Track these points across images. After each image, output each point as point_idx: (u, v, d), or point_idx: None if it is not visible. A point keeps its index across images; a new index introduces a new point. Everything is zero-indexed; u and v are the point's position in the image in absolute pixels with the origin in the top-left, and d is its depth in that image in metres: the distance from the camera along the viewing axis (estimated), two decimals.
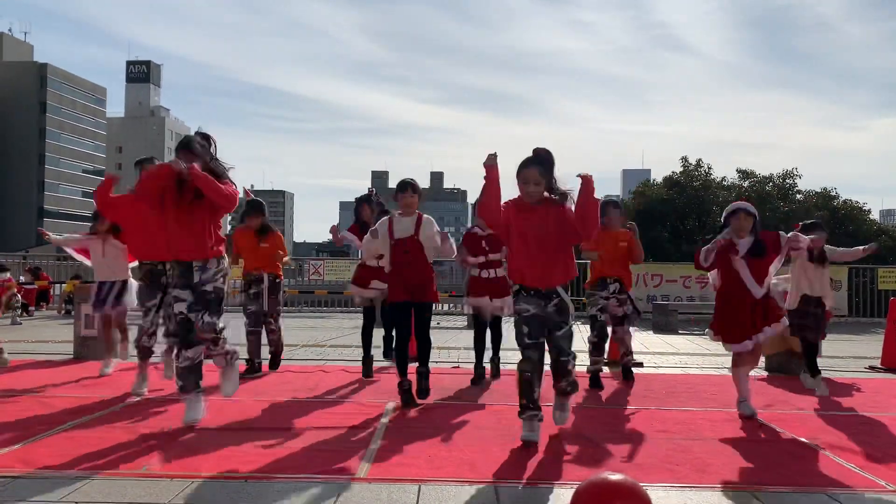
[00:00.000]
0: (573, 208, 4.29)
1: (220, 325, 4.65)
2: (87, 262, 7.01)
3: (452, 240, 5.48)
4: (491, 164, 4.29)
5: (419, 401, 5.37)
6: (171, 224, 4.62)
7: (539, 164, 4.28)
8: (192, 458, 3.84)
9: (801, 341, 6.28)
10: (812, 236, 5.92)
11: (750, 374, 5.36)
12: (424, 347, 5.42)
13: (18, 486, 3.39)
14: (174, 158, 4.54)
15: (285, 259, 7.08)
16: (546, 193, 4.34)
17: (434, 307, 5.65)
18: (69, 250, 7.17)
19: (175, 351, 4.67)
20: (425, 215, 5.41)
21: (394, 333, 5.56)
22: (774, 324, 5.12)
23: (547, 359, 4.40)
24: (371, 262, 6.16)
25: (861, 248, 6.45)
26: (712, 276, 5.51)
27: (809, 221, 6.52)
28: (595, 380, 6.35)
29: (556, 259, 4.31)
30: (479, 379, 6.40)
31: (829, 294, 6.31)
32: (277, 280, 6.87)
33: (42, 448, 4.01)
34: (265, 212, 6.86)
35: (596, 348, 6.41)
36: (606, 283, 6.36)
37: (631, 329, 6.59)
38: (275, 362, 6.94)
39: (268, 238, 6.82)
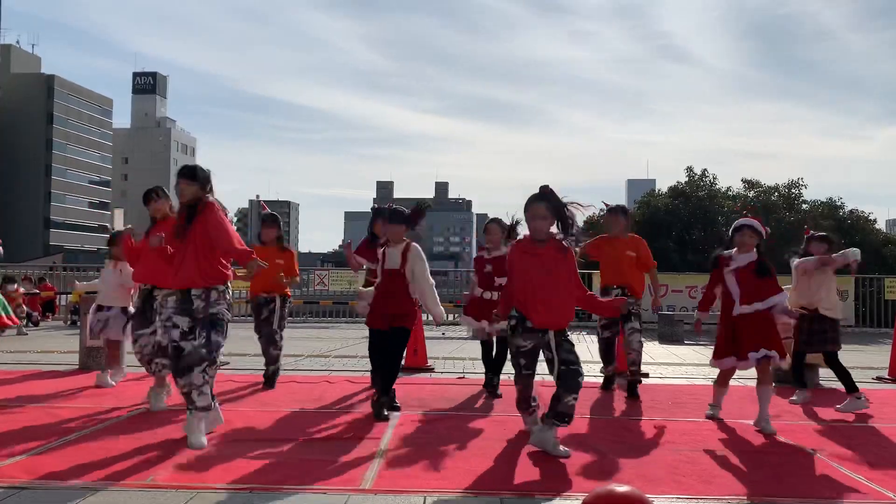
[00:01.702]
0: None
1: (215, 340, 4.56)
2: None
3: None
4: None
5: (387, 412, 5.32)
6: (175, 253, 4.68)
7: (545, 199, 4.31)
8: (198, 469, 3.84)
9: (798, 355, 6.29)
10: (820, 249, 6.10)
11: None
12: (390, 374, 5.35)
13: (24, 497, 3.39)
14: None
15: (295, 279, 7.09)
16: (554, 230, 4.35)
17: (437, 321, 5.67)
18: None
19: (175, 380, 4.62)
20: (413, 245, 5.40)
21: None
22: (767, 350, 5.06)
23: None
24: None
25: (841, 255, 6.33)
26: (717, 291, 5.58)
27: (819, 234, 6.48)
28: (607, 383, 6.54)
29: (559, 303, 4.31)
30: (494, 390, 6.35)
31: (833, 306, 6.18)
32: (286, 299, 6.86)
33: (48, 458, 4.01)
34: (280, 224, 6.87)
35: (606, 358, 6.54)
36: (609, 291, 6.35)
37: (639, 332, 6.42)
38: (271, 382, 6.73)
39: (283, 254, 6.82)
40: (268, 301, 6.73)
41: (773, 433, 5.00)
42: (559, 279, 4.30)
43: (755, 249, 5.26)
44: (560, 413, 4.23)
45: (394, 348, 5.36)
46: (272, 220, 6.86)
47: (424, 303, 5.50)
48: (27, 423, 4.90)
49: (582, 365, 4.34)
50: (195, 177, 4.65)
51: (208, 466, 3.90)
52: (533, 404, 4.49)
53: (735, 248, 5.32)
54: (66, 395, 6.11)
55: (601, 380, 6.80)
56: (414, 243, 5.44)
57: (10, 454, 4.08)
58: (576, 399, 4.25)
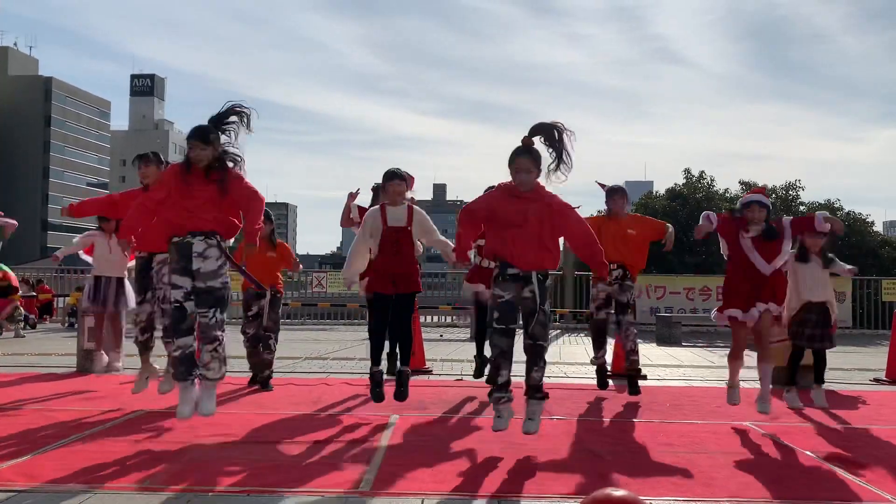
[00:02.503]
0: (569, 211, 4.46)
1: (224, 320, 4.59)
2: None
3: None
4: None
5: (398, 402, 5.24)
6: (178, 199, 4.55)
7: (529, 153, 4.39)
8: (195, 472, 3.83)
9: (795, 348, 6.25)
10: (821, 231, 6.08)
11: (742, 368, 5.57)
12: (405, 342, 5.17)
13: (21, 500, 3.38)
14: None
15: (298, 266, 7.06)
16: (541, 180, 4.42)
17: (436, 319, 5.66)
18: (81, 255, 7.19)
19: (166, 338, 4.61)
20: (416, 207, 5.27)
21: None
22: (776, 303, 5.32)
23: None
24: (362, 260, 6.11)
25: (849, 267, 6.39)
26: (722, 243, 5.62)
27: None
28: (601, 377, 6.40)
29: (537, 245, 4.36)
30: (481, 370, 6.39)
31: (831, 299, 6.25)
32: (278, 295, 6.85)
33: (44, 462, 4.00)
34: (272, 220, 6.85)
35: (597, 343, 6.39)
36: (608, 267, 6.24)
37: (634, 325, 6.36)
38: (265, 385, 6.71)
39: (275, 249, 6.81)
40: (258, 296, 6.71)
41: (767, 413, 5.24)
42: (542, 228, 4.36)
43: (764, 223, 5.41)
44: (531, 387, 4.39)
45: (405, 315, 5.16)
46: (265, 217, 6.83)
47: (444, 250, 5.26)
48: (24, 426, 4.89)
49: (549, 340, 4.43)
50: (208, 140, 4.55)
51: (205, 469, 3.89)
52: (505, 389, 4.36)
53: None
54: (63, 398, 6.10)
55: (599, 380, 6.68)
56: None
57: (7, 457, 4.06)
58: (543, 367, 4.40)
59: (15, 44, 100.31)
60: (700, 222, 5.57)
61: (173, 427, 4.89)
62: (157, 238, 5.39)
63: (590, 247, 4.51)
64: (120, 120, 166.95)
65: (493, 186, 6.10)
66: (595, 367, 6.51)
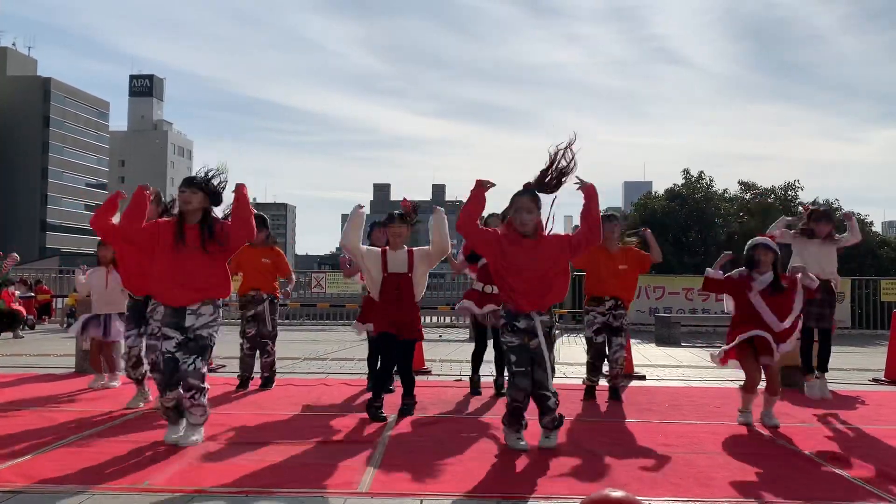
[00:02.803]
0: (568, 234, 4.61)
1: (205, 371, 4.54)
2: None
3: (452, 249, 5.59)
4: (483, 185, 4.58)
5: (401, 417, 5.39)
6: (168, 267, 4.50)
7: (531, 194, 4.48)
8: (193, 473, 3.83)
9: (805, 333, 6.23)
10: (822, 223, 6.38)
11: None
12: (408, 381, 5.57)
13: (19, 500, 3.38)
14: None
15: (290, 284, 7.10)
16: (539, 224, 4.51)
17: (436, 319, 5.73)
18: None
19: (160, 389, 4.58)
20: (415, 248, 5.41)
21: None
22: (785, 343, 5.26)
23: None
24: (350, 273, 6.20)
25: (852, 228, 6.47)
26: (726, 300, 5.59)
27: (820, 210, 6.73)
28: (590, 392, 6.41)
29: (542, 288, 4.48)
30: (476, 387, 6.48)
31: (836, 276, 6.32)
32: (275, 300, 6.86)
33: (43, 462, 4.00)
34: (268, 225, 6.85)
35: (592, 368, 6.40)
36: (602, 300, 6.27)
37: (627, 345, 6.52)
38: (268, 382, 6.78)
39: (269, 253, 6.81)
40: (255, 300, 6.72)
41: (777, 426, 5.19)
42: (545, 266, 4.47)
43: (772, 268, 5.30)
44: (547, 426, 4.53)
45: (406, 358, 5.48)
46: (260, 221, 6.82)
47: (447, 246, 5.41)
48: (23, 427, 4.89)
49: (552, 382, 4.53)
50: (201, 187, 4.55)
51: (204, 470, 3.89)
52: (522, 422, 4.53)
53: (752, 267, 5.37)
54: (61, 399, 6.09)
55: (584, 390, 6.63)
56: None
57: (6, 457, 4.06)
58: (554, 415, 4.51)
59: (14, 44, 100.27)
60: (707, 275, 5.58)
61: None
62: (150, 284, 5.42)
63: (592, 233, 4.55)
64: (119, 120, 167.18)
65: (492, 214, 6.18)
66: (586, 386, 6.46)
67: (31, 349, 10.20)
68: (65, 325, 15.10)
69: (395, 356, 5.42)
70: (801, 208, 8.30)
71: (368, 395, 6.27)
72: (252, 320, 6.76)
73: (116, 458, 4.11)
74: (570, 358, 9.84)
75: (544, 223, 4.54)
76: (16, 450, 4.24)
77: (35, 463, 3.99)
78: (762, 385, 5.38)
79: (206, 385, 4.54)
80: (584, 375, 6.50)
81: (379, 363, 5.70)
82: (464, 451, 4.40)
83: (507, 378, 4.64)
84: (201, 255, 4.49)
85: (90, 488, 3.54)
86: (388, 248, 5.42)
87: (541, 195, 4.51)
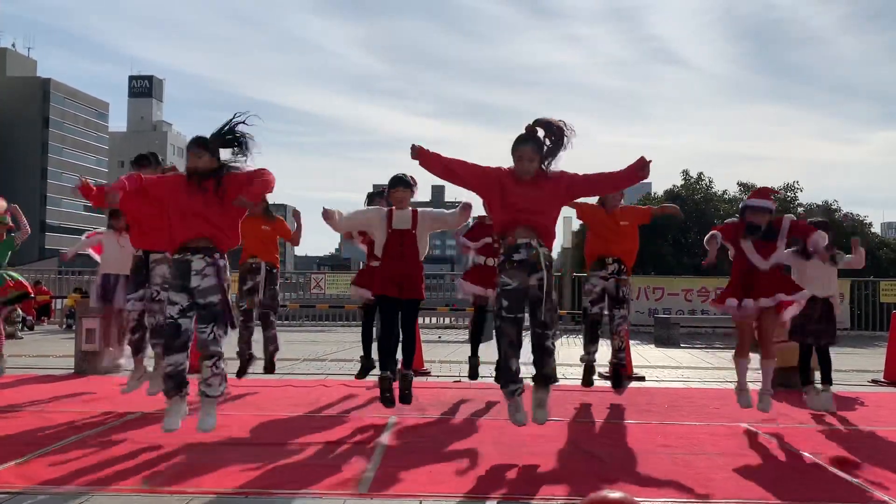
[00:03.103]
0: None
1: (224, 336, 4.49)
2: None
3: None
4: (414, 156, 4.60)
5: (402, 405, 5.27)
6: (177, 207, 4.49)
7: (532, 141, 4.42)
8: (193, 474, 3.83)
9: (803, 347, 6.23)
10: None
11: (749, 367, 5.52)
12: (410, 347, 5.25)
13: (19, 501, 3.38)
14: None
15: (297, 238, 6.98)
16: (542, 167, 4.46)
17: (435, 320, 5.69)
18: (89, 251, 7.18)
19: (159, 354, 4.57)
20: (420, 209, 5.30)
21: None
22: (782, 294, 5.24)
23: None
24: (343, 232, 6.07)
25: (857, 254, 6.38)
26: (730, 250, 5.61)
27: (817, 220, 6.61)
28: (587, 375, 6.33)
29: (544, 221, 4.44)
30: (477, 371, 6.45)
31: (836, 294, 6.28)
32: (274, 270, 6.76)
33: (43, 463, 4.00)
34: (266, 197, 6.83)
35: (589, 338, 6.31)
36: (605, 262, 6.17)
37: (628, 319, 6.33)
38: (271, 364, 6.78)
39: (271, 222, 6.78)
40: (253, 268, 6.64)
41: (767, 411, 5.29)
42: (544, 206, 4.44)
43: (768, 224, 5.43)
44: (544, 376, 4.36)
45: (408, 321, 5.21)
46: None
47: (455, 220, 5.24)
48: (22, 428, 4.89)
49: (555, 330, 4.41)
50: (206, 146, 4.51)
51: (203, 471, 3.88)
52: (517, 380, 4.33)
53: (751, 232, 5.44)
54: (61, 400, 6.09)
55: (599, 384, 6.70)
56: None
57: (5, 458, 4.06)
58: (553, 358, 4.38)
59: (13, 45, 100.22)
60: (706, 243, 5.52)
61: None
62: (154, 236, 5.44)
63: (613, 181, 4.63)
64: (118, 121, 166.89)
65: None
66: (584, 364, 6.40)
67: (30, 350, 10.19)
68: (64, 326, 15.10)
69: (398, 319, 5.20)
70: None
71: (368, 396, 6.29)
72: (249, 293, 6.66)
73: (116, 459, 4.11)
74: (568, 359, 9.84)
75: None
76: (15, 451, 4.23)
77: (34, 464, 3.99)
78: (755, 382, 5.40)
79: (223, 350, 4.49)
80: (582, 354, 6.42)
81: (377, 334, 5.40)
82: (462, 452, 4.40)
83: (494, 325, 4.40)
84: (209, 198, 4.43)
85: (89, 490, 3.53)
86: (394, 208, 5.27)
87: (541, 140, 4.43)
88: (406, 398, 5.29)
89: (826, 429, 5.36)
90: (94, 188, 5.77)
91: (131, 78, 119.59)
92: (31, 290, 7.35)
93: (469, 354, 6.65)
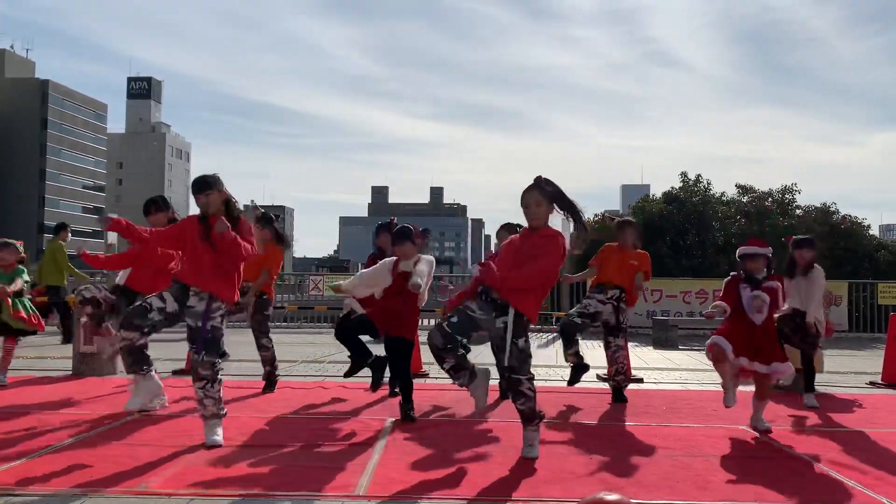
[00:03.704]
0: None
1: (220, 365, 4.61)
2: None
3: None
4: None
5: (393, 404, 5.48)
6: (190, 257, 4.70)
7: (538, 188, 4.32)
8: (191, 476, 3.83)
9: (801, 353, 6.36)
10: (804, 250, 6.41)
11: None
12: (407, 387, 5.46)
13: (17, 503, 3.37)
14: (221, 223, 4.52)
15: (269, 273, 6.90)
16: (552, 217, 4.36)
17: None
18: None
19: (119, 325, 4.65)
20: (424, 256, 5.51)
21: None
22: (777, 363, 5.14)
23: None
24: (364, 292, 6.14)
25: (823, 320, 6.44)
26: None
27: (802, 237, 6.68)
28: (576, 373, 6.37)
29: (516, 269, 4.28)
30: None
31: (813, 309, 6.28)
32: (264, 297, 6.71)
33: (40, 465, 4.00)
34: (273, 223, 6.82)
35: (567, 342, 6.32)
36: (605, 288, 6.30)
37: (625, 346, 6.49)
38: (270, 381, 6.75)
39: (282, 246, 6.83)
40: (243, 293, 6.65)
41: (769, 430, 5.16)
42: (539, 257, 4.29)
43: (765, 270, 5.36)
44: (523, 419, 4.36)
45: (401, 360, 5.45)
46: (265, 220, 6.81)
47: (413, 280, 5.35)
48: (20, 429, 4.88)
49: (527, 368, 4.27)
50: (211, 185, 4.67)
51: (201, 473, 3.88)
52: (461, 368, 4.27)
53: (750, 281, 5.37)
54: (59, 401, 6.08)
55: (598, 386, 6.73)
56: (425, 256, 5.53)
57: (2, 461, 4.06)
58: (527, 400, 4.27)
59: (12, 46, 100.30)
60: (713, 310, 5.41)
61: (169, 431, 4.89)
62: (147, 281, 5.66)
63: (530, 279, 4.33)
64: (117, 122, 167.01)
65: (504, 225, 6.15)
66: (571, 364, 6.40)
67: (27, 351, 10.18)
68: (62, 328, 15.05)
69: (389, 358, 5.46)
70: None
71: (368, 398, 6.29)
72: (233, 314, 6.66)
73: (114, 460, 4.10)
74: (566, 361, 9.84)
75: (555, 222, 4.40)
76: (13, 453, 4.23)
77: (32, 466, 3.99)
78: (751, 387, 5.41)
79: (220, 377, 4.59)
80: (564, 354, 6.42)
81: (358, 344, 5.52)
82: (460, 454, 4.40)
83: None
84: (213, 250, 4.60)
85: (88, 491, 3.53)
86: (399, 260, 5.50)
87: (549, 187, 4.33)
88: (410, 418, 5.41)
89: (824, 431, 5.37)
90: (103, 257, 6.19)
91: (130, 79, 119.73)
92: (41, 327, 7.38)
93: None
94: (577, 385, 6.60)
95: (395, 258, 5.54)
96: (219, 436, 4.55)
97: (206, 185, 4.67)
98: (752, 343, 5.15)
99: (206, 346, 4.55)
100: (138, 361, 4.67)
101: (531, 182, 4.36)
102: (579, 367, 6.40)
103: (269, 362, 6.76)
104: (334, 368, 8.53)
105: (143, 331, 4.73)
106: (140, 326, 4.69)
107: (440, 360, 4.26)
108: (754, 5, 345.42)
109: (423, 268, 5.36)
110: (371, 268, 5.74)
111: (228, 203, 4.72)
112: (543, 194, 4.31)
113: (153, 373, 5.19)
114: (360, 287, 5.69)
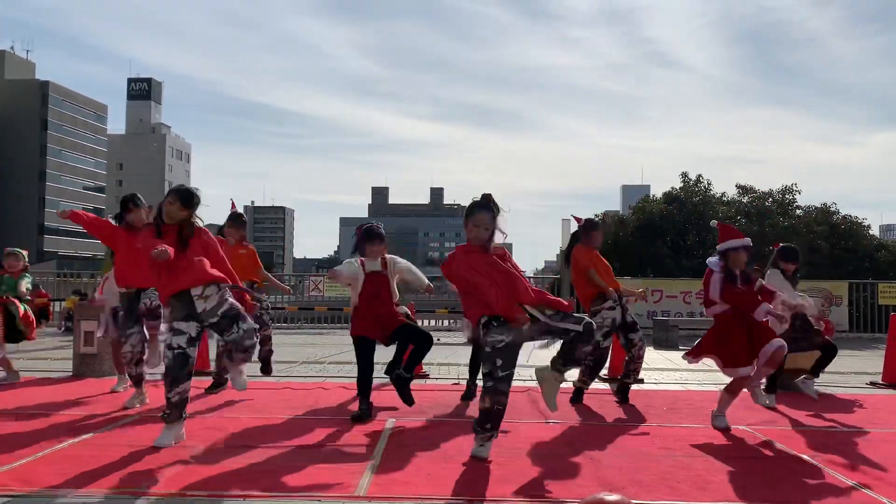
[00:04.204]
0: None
1: (255, 326, 4.79)
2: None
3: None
4: None
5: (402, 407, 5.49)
6: (168, 263, 4.60)
7: (489, 210, 4.32)
8: (191, 477, 3.83)
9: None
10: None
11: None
12: (423, 348, 5.48)
13: None
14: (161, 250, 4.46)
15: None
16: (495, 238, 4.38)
17: (434, 322, 5.79)
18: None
19: (167, 384, 4.56)
20: (389, 256, 5.66)
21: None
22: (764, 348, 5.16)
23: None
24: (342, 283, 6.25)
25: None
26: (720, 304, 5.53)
27: (788, 246, 6.76)
28: (578, 395, 6.37)
29: (522, 286, 4.25)
30: (470, 395, 6.42)
31: (788, 296, 6.31)
32: (258, 295, 6.78)
33: (41, 466, 4.00)
34: (244, 226, 6.94)
35: (590, 371, 6.32)
36: (605, 296, 6.29)
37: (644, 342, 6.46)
38: (266, 364, 6.90)
39: (245, 248, 6.87)
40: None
41: (728, 428, 5.20)
42: (508, 270, 4.28)
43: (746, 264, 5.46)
44: (575, 360, 4.28)
45: (412, 332, 5.49)
46: (235, 220, 6.93)
47: (418, 283, 5.85)
48: (20, 431, 4.88)
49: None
50: (191, 203, 4.70)
51: (201, 474, 3.88)
52: (495, 432, 4.26)
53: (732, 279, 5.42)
54: (59, 403, 6.08)
55: (598, 386, 6.73)
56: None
57: (3, 462, 4.06)
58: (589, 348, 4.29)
59: (12, 47, 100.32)
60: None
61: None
62: (144, 275, 5.52)
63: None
64: (117, 123, 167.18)
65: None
66: (575, 388, 6.39)
67: (28, 353, 10.17)
68: (62, 329, 15.07)
69: (404, 342, 5.50)
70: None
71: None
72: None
73: (114, 461, 4.10)
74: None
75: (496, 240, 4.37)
76: (13, 454, 4.23)
77: (32, 467, 3.99)
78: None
79: (256, 340, 4.79)
80: (577, 377, 6.35)
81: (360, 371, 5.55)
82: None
83: (485, 384, 4.21)
84: (185, 254, 4.64)
85: (88, 492, 3.53)
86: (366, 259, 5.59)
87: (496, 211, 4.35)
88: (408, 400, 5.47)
89: (824, 431, 5.37)
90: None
91: (130, 80, 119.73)
92: (33, 336, 7.55)
93: (468, 378, 6.66)
94: (564, 386, 6.61)
95: (360, 258, 5.58)
96: (244, 376, 4.95)
97: (188, 202, 4.71)
98: (752, 348, 5.19)
99: (238, 319, 4.65)
100: (183, 412, 4.60)
101: (480, 201, 4.36)
102: (581, 393, 6.42)
103: (266, 342, 6.84)
104: (334, 369, 8.53)
105: (191, 376, 4.65)
106: (191, 374, 4.63)
107: (500, 419, 4.26)
108: (754, 5, 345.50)
109: (413, 266, 5.59)
110: (346, 267, 5.63)
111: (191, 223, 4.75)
112: (492, 218, 4.31)
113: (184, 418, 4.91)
114: (343, 277, 5.65)
